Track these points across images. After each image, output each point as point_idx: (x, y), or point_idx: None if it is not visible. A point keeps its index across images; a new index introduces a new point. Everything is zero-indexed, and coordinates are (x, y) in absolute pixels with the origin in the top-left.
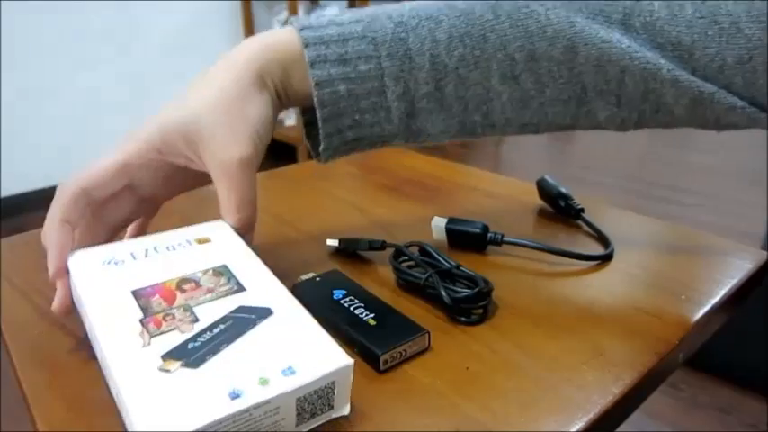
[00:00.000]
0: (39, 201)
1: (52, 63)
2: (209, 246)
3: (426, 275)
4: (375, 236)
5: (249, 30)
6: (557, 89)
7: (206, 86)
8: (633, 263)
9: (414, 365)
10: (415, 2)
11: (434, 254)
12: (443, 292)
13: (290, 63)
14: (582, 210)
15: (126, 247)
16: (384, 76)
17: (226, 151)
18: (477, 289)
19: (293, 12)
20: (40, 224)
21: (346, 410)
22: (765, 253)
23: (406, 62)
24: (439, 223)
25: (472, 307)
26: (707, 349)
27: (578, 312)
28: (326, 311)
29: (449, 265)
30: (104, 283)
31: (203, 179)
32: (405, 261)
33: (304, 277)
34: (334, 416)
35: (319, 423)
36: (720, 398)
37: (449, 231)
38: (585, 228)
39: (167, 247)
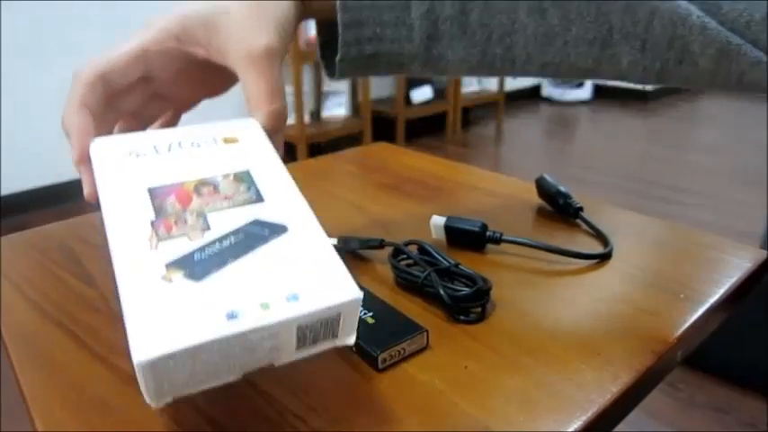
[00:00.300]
0: (38, 199)
1: (52, 62)
2: (235, 147)
3: (425, 274)
4: (374, 234)
5: None
6: (583, 27)
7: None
8: (632, 262)
9: (412, 364)
10: None
11: (433, 252)
12: (442, 291)
13: None
14: (581, 208)
15: (150, 138)
16: None
17: (253, 39)
18: (475, 288)
19: None
20: (40, 222)
21: (352, 340)
22: (764, 252)
23: None
24: (438, 222)
25: (471, 306)
26: (705, 349)
27: (577, 311)
28: None
29: (447, 264)
30: (123, 177)
31: (220, 81)
32: (403, 259)
33: None
34: (338, 344)
35: (320, 350)
36: (718, 397)
37: (448, 230)
38: (584, 226)
39: (192, 144)
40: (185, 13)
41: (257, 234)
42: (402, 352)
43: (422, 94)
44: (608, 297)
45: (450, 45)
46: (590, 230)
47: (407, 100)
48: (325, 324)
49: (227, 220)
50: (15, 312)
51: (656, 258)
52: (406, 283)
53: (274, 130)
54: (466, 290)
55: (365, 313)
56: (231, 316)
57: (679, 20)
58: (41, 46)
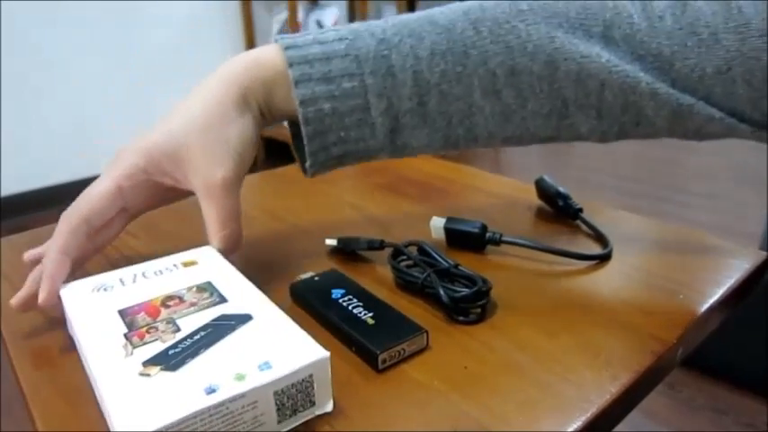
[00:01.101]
0: (38, 200)
1: (52, 62)
2: (195, 267)
3: (425, 275)
4: (374, 235)
5: (249, 30)
6: (538, 103)
7: (190, 107)
8: (631, 262)
9: (412, 365)
10: (396, 17)
11: (433, 253)
12: (442, 292)
13: (274, 82)
14: (580, 209)
15: (115, 274)
16: (368, 93)
17: (208, 172)
18: (475, 288)
19: (293, 12)
20: (40, 224)
21: (329, 407)
22: (763, 253)
23: (389, 79)
24: (437, 223)
25: (470, 306)
26: (705, 350)
27: (576, 312)
28: (325, 310)
29: (447, 265)
30: (93, 306)
31: (190, 193)
32: (403, 260)
33: (302, 276)
34: (317, 412)
35: (302, 420)
36: (718, 398)
37: (447, 231)
38: (584, 227)
39: (155, 272)
40: (149, 145)
41: (225, 325)
42: (402, 352)
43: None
44: (607, 298)
45: (412, 134)
46: (589, 231)
47: None
48: (301, 389)
49: (195, 321)
50: (15, 312)
51: (655, 259)
52: (406, 284)
53: (228, 251)
54: (465, 291)
55: (365, 314)
56: (209, 390)
57: (629, 88)
58: (41, 46)
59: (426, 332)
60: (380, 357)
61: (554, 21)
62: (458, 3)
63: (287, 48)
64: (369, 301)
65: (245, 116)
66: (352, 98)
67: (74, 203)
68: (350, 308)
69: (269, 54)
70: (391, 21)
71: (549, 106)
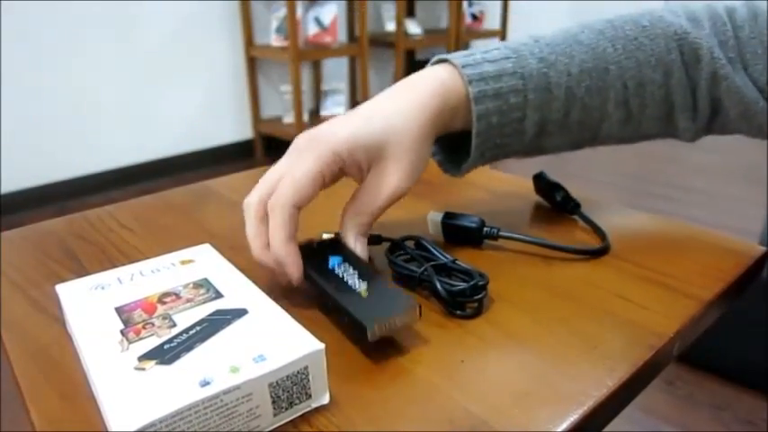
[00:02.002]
0: (36, 198)
1: (51, 62)
2: (192, 265)
3: (422, 269)
4: (371, 230)
5: (247, 27)
6: (654, 108)
7: (389, 117)
8: (629, 257)
9: (409, 358)
10: (541, 35)
11: (430, 248)
12: (439, 286)
13: (458, 107)
14: (578, 204)
15: (113, 273)
16: (527, 107)
17: (390, 178)
18: (472, 282)
19: (291, 9)
20: (38, 220)
21: (325, 399)
22: (761, 248)
23: (546, 94)
24: (435, 218)
25: (468, 300)
26: (704, 346)
27: (574, 306)
28: (319, 278)
29: (444, 260)
30: (90, 303)
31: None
32: (401, 255)
33: (302, 242)
34: (313, 405)
35: (299, 413)
36: (717, 395)
37: (445, 226)
38: (581, 222)
39: (152, 270)
40: (351, 138)
41: (221, 319)
42: (392, 324)
43: None
44: (604, 292)
45: (549, 139)
46: (587, 226)
47: None
48: (296, 382)
49: (191, 316)
50: (13, 309)
51: (653, 254)
52: (404, 279)
53: (359, 233)
54: (463, 285)
55: (359, 284)
56: (204, 383)
57: (714, 85)
58: (41, 46)
59: (419, 306)
60: (370, 331)
61: (669, 32)
62: (590, 20)
63: (464, 66)
64: (365, 271)
65: (431, 141)
66: (515, 111)
67: (280, 189)
68: (344, 277)
69: (450, 77)
70: (543, 41)
71: (662, 112)
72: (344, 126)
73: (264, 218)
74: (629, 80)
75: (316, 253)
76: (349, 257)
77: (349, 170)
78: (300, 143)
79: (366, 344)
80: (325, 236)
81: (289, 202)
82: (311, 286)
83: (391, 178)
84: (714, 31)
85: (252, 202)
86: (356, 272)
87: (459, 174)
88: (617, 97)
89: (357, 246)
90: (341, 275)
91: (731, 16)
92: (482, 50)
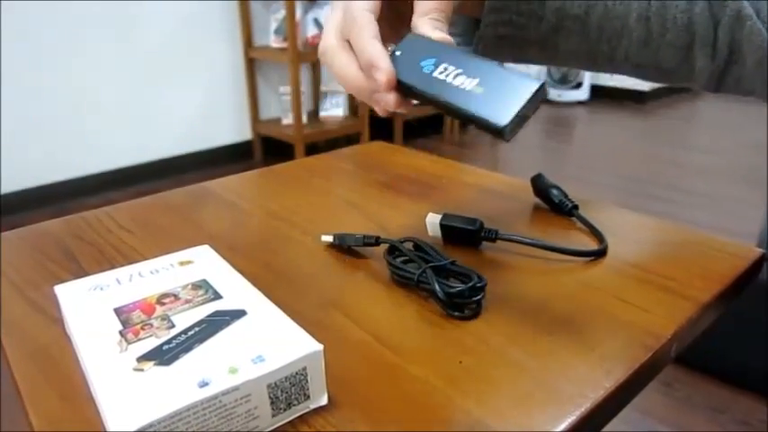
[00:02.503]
0: (35, 199)
1: (51, 62)
2: (191, 266)
3: (420, 271)
4: (370, 232)
5: (247, 28)
6: (675, 34)
7: None
8: (626, 259)
9: (407, 359)
10: None
11: (429, 250)
12: (437, 287)
13: None
14: (576, 206)
15: (112, 274)
16: None
17: None
18: (470, 284)
19: (291, 10)
20: (37, 221)
21: (324, 400)
22: (758, 250)
23: None
24: (434, 219)
25: (466, 302)
26: (702, 349)
27: (571, 307)
28: (423, 88)
29: (443, 261)
30: (89, 304)
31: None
32: (399, 256)
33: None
34: (312, 406)
35: (297, 414)
36: (714, 397)
37: (443, 227)
38: (579, 224)
39: (151, 271)
40: None
41: (219, 320)
42: (525, 117)
43: None
44: (602, 294)
45: (567, 38)
46: (585, 228)
47: None
48: (294, 383)
49: (190, 317)
50: (12, 310)
51: (650, 256)
52: (402, 280)
53: (434, 27)
54: (461, 286)
55: (469, 81)
56: (203, 384)
57: (737, 25)
58: (41, 46)
59: (543, 83)
60: (507, 132)
61: None
62: None
63: None
64: (467, 63)
65: None
66: None
67: (350, 6)
68: (449, 79)
69: None
70: None
71: (683, 40)
72: None
73: (348, 47)
74: None
75: (402, 62)
76: (441, 54)
77: None
78: None
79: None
80: (325, 238)
81: (363, 7)
82: (415, 96)
83: None
84: None
85: (329, 41)
86: (460, 68)
87: (475, 46)
88: (640, 10)
89: (434, 31)
90: (444, 78)
91: None
92: None
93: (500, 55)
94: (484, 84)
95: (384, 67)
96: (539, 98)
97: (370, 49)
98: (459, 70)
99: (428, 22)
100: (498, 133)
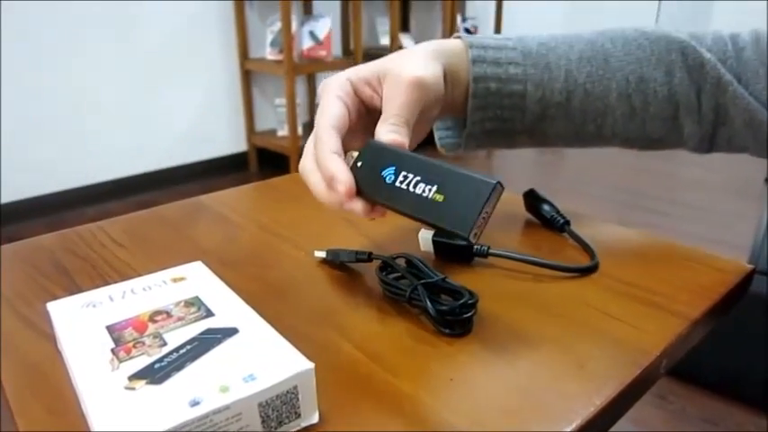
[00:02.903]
0: (29, 209)
1: (49, 73)
2: (184, 282)
3: (412, 288)
4: (363, 247)
5: (243, 41)
6: (659, 107)
7: (399, 52)
8: (617, 275)
9: (398, 376)
10: (546, 33)
11: (421, 266)
12: (429, 304)
13: (458, 59)
14: (567, 222)
15: (104, 291)
16: (528, 81)
17: (403, 70)
18: (462, 301)
19: (286, 23)
20: (31, 233)
21: (315, 418)
22: (748, 266)
23: (546, 72)
24: (426, 235)
25: (457, 319)
26: (696, 361)
27: (562, 324)
28: (384, 199)
29: (435, 278)
30: (81, 322)
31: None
32: (391, 273)
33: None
34: (303, 424)
35: None
36: (708, 409)
37: (435, 243)
38: (571, 240)
39: (143, 288)
40: (357, 69)
41: (211, 338)
42: (486, 217)
43: None
44: (593, 310)
45: (552, 124)
46: (576, 244)
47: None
48: (286, 401)
49: (182, 335)
50: (4, 326)
51: (641, 272)
52: (394, 297)
53: (389, 131)
54: (452, 303)
55: (430, 190)
56: (194, 403)
57: (720, 91)
58: (40, 56)
59: (498, 182)
60: (471, 236)
61: (670, 38)
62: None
63: (467, 37)
64: (425, 171)
65: (438, 65)
66: (514, 83)
67: (318, 120)
68: (410, 188)
69: (451, 42)
70: (544, 33)
71: (666, 110)
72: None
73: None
74: (630, 74)
75: (363, 173)
76: (401, 163)
77: (363, 90)
78: (319, 93)
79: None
80: (317, 254)
81: (325, 123)
82: (382, 205)
83: (404, 73)
84: (715, 50)
85: (304, 162)
86: (418, 176)
87: (459, 146)
88: (619, 89)
89: (392, 137)
90: (405, 187)
91: (734, 39)
92: (491, 35)
93: (491, 146)
94: (443, 190)
95: (342, 180)
96: (496, 196)
97: (328, 164)
98: (418, 177)
99: (386, 128)
100: (465, 240)
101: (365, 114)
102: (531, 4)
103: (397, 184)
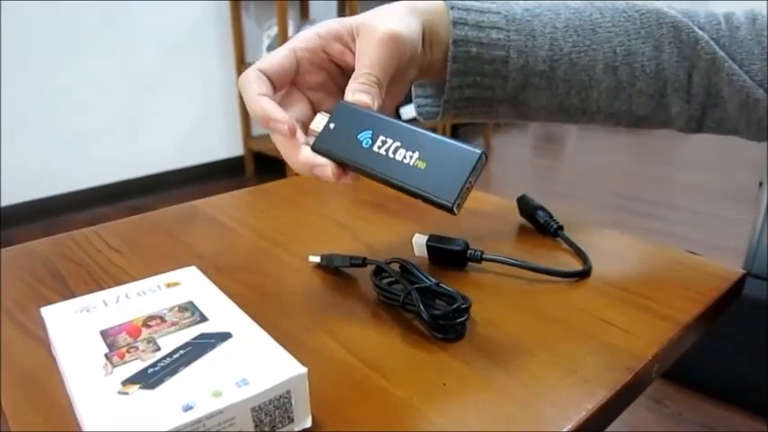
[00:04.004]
0: (24, 214)
1: (44, 80)
2: (178, 288)
3: (406, 292)
4: (357, 252)
5: (239, 45)
6: (645, 83)
7: (376, 9)
8: (610, 279)
9: (391, 381)
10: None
11: (415, 271)
12: (422, 309)
13: (439, 15)
14: (561, 227)
15: (98, 296)
16: (510, 47)
17: (378, 24)
18: (455, 306)
19: (283, 27)
20: (26, 237)
21: (308, 423)
22: (740, 271)
23: (531, 40)
24: (420, 240)
25: (450, 323)
26: (692, 366)
27: (555, 328)
28: (363, 165)
29: (428, 283)
30: (75, 327)
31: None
32: (385, 278)
33: (317, 128)
34: (296, 429)
35: None
36: (704, 413)
37: (429, 248)
38: (564, 245)
39: (138, 293)
40: (329, 21)
41: (205, 343)
42: (470, 186)
43: (411, 111)
44: (586, 315)
45: (535, 94)
46: (570, 249)
47: (397, 116)
48: (279, 406)
49: (176, 340)
50: None
51: (634, 276)
52: (388, 301)
53: (362, 100)
54: (446, 308)
55: (411, 156)
56: (187, 408)
57: (713, 71)
58: (35, 60)
59: (483, 152)
60: (455, 206)
61: (661, 12)
62: None
63: None
64: (405, 136)
65: (416, 22)
66: (497, 49)
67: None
68: (390, 154)
69: (433, 1)
70: (531, 2)
71: (654, 87)
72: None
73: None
74: (617, 46)
75: (338, 135)
76: (378, 126)
77: (332, 45)
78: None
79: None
80: (312, 258)
81: (253, 68)
82: (358, 171)
83: (379, 29)
84: (708, 28)
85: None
86: (399, 141)
87: (438, 114)
88: (606, 60)
89: (359, 96)
90: (384, 153)
91: (728, 18)
92: None
93: (470, 115)
94: (425, 157)
95: (279, 117)
96: (480, 167)
97: (256, 108)
98: (398, 143)
99: (355, 86)
100: (448, 210)
101: (338, 73)
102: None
103: (375, 148)
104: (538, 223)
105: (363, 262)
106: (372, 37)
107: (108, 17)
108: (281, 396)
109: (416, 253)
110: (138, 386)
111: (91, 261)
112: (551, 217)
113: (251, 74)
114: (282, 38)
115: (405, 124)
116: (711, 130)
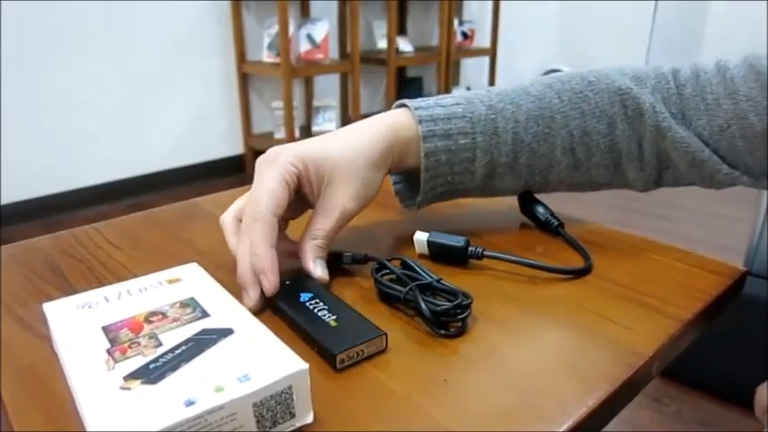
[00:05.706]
0: (24, 212)
1: (43, 80)
2: (179, 284)
3: (407, 289)
4: (359, 249)
5: (240, 44)
6: (601, 157)
7: (346, 141)
8: (611, 276)
9: (392, 377)
10: (496, 89)
11: (416, 267)
12: (423, 305)
13: (410, 141)
14: (561, 224)
15: (100, 292)
16: (476, 148)
17: (339, 198)
18: (456, 302)
19: (284, 26)
20: (26, 235)
21: (310, 418)
22: (741, 268)
23: (494, 138)
24: (421, 237)
25: (451, 320)
26: (691, 363)
27: (555, 325)
28: (292, 312)
29: (430, 279)
30: (77, 323)
31: (299, 211)
32: (386, 274)
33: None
34: (297, 424)
35: None
36: (704, 412)
37: (431, 245)
38: (565, 242)
39: (139, 289)
40: (306, 153)
41: (206, 339)
42: (360, 353)
43: None
44: (586, 311)
45: (501, 180)
46: (570, 246)
47: None
48: (280, 401)
49: (177, 335)
50: None
51: (634, 274)
52: (389, 298)
53: (317, 257)
54: (447, 304)
55: (329, 316)
56: (189, 403)
57: (660, 136)
58: (36, 59)
59: (385, 335)
60: (339, 357)
61: (612, 88)
62: (541, 77)
63: (416, 108)
64: (335, 304)
65: (383, 170)
66: (464, 152)
67: (250, 202)
68: (315, 310)
69: (404, 116)
70: (494, 90)
71: (609, 160)
72: (301, 144)
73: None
74: (574, 129)
75: (287, 290)
76: (319, 293)
77: (305, 185)
78: (261, 161)
79: (336, 371)
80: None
81: (268, 208)
82: (285, 321)
83: (340, 199)
84: (658, 89)
85: (227, 218)
86: (327, 306)
87: (414, 207)
88: (563, 144)
89: (316, 268)
90: (312, 308)
91: (675, 76)
92: (438, 97)
93: (443, 200)
94: (339, 320)
95: (271, 280)
96: (378, 346)
97: (267, 259)
98: (326, 307)
99: (310, 256)
100: (331, 358)
101: (296, 189)
102: (528, 5)
103: (307, 304)
104: (539, 220)
105: (365, 258)
106: (331, 206)
107: (108, 17)
108: (282, 391)
109: (418, 250)
110: (139, 381)
111: (92, 258)
112: (552, 214)
113: (268, 219)
114: (283, 36)
115: (340, 301)
116: (670, 186)
